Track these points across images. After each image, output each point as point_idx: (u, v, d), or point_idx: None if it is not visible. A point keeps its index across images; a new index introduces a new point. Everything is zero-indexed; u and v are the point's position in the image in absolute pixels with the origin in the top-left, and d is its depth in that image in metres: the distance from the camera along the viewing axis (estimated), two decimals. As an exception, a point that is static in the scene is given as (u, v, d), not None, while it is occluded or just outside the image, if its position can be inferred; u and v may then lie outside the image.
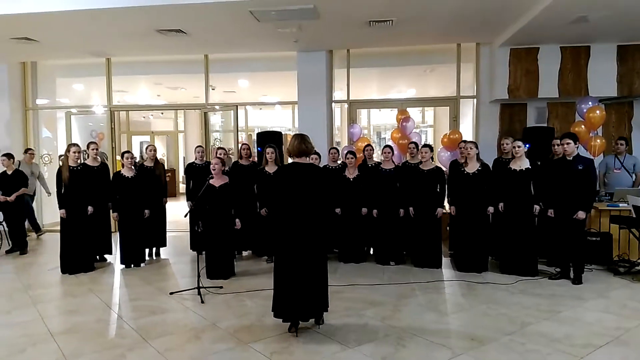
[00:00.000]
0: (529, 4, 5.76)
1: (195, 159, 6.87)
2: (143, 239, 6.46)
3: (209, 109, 8.93)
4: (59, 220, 6.15)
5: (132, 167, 6.33)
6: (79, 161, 6.14)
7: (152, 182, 6.60)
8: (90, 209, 6.10)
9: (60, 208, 6.00)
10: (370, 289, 5.21)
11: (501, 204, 5.75)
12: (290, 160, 4.15)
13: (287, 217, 3.89)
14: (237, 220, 5.70)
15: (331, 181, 6.15)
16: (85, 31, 6.80)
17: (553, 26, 6.32)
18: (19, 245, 7.28)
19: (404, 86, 10.56)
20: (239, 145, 7.33)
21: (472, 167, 5.82)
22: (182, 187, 14.45)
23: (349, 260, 6.37)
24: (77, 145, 6.26)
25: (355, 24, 6.57)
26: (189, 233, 7.09)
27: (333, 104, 8.62)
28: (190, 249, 7.00)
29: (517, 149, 5.61)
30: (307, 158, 4.04)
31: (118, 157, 8.93)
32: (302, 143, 3.94)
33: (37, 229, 8.46)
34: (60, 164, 6.54)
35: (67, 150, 6.15)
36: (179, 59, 8.86)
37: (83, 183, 6.07)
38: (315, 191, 3.91)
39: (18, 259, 6.99)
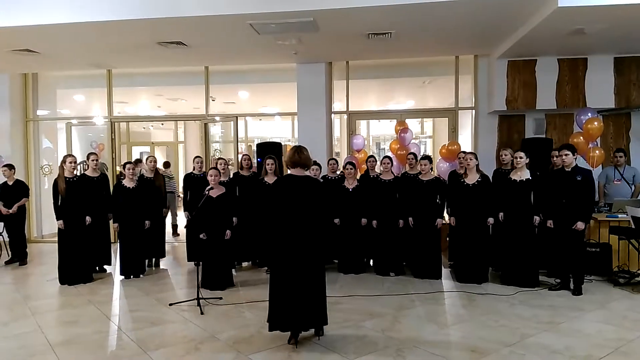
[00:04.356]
0: (527, 16, 5.82)
1: (194, 169, 6.88)
2: (143, 250, 6.46)
3: (209, 120, 8.97)
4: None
5: (134, 177, 6.34)
6: (75, 172, 6.14)
7: (152, 193, 6.61)
8: (88, 219, 6.09)
9: (57, 219, 5.99)
10: (370, 300, 5.20)
11: (501, 214, 5.76)
12: (288, 172, 4.17)
13: (283, 229, 3.89)
14: (227, 231, 5.67)
15: (326, 193, 6.15)
16: (86, 43, 6.86)
17: (550, 38, 6.38)
18: (19, 256, 7.27)
19: (403, 97, 10.61)
20: (240, 156, 7.35)
21: (472, 178, 5.84)
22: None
23: (349, 271, 6.36)
24: (73, 156, 6.26)
25: (354, 36, 6.63)
26: (185, 244, 7.05)
27: (332, 115, 8.67)
28: (188, 260, 6.94)
29: (518, 159, 5.63)
30: (304, 170, 4.02)
31: (118, 168, 8.94)
32: (295, 153, 3.96)
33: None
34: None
35: (63, 162, 6.09)
36: (179, 71, 8.92)
37: (80, 194, 6.05)
38: (310, 203, 3.90)
39: (17, 270, 6.98)
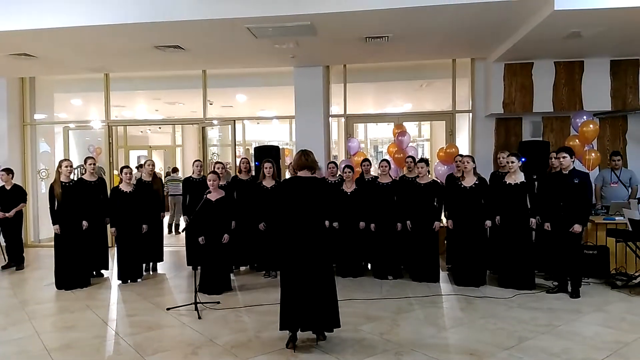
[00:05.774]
0: (523, 20, 5.85)
1: (193, 172, 6.87)
2: (140, 254, 6.43)
3: (207, 124, 8.97)
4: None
5: (131, 181, 6.33)
6: (71, 176, 6.12)
7: (150, 197, 6.60)
8: (85, 223, 6.08)
9: (53, 224, 5.96)
10: (368, 304, 5.20)
11: (497, 217, 5.77)
12: (288, 175, 4.19)
13: (291, 231, 3.94)
14: (225, 235, 5.67)
15: (332, 194, 6.17)
16: (84, 47, 6.86)
17: (547, 42, 6.41)
18: (16, 261, 7.25)
19: (401, 101, 10.63)
20: (239, 159, 7.35)
21: (469, 181, 5.85)
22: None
23: (347, 275, 6.36)
24: (69, 160, 6.25)
25: (351, 40, 6.64)
26: (184, 248, 7.02)
27: (330, 118, 8.68)
28: (188, 264, 6.91)
29: (510, 163, 5.65)
30: (311, 172, 4.09)
31: (116, 172, 8.93)
32: (302, 156, 4.08)
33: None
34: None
35: (59, 166, 6.06)
36: (177, 75, 8.92)
37: (77, 198, 6.03)
38: (318, 204, 3.98)
39: (14, 275, 6.95)
